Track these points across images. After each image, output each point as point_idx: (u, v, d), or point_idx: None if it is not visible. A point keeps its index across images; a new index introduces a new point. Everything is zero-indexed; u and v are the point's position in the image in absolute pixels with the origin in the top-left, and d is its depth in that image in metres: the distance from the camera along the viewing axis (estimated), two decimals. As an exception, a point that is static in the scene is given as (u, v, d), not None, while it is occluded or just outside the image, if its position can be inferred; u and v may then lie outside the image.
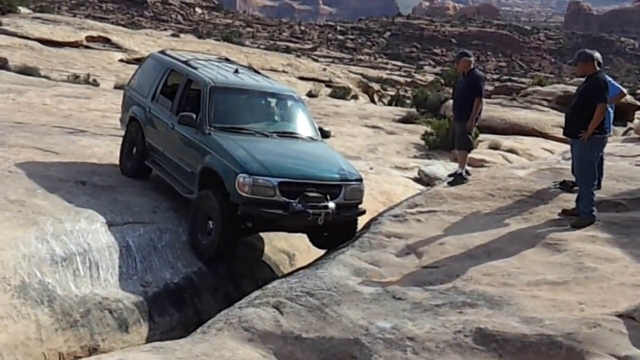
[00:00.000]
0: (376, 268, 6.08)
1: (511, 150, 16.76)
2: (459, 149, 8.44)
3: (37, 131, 10.61)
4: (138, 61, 20.03)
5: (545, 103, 23.74)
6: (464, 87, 8.26)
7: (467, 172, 8.38)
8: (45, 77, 22.00)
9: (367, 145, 17.31)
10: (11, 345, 5.28)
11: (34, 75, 21.44)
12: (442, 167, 12.24)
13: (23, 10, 36.62)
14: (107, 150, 9.42)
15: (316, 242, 7.61)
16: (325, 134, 8.17)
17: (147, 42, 33.51)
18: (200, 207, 6.99)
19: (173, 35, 46.55)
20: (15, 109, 13.87)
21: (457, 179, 8.23)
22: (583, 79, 6.89)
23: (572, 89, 18.98)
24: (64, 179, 7.65)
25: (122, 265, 6.51)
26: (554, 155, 10.41)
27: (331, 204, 6.86)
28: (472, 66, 8.35)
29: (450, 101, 13.61)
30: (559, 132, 14.19)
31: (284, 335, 5.11)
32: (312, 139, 7.94)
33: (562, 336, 4.60)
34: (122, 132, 8.95)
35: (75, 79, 22.88)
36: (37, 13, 38.09)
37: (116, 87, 21.34)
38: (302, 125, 8.09)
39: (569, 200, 6.99)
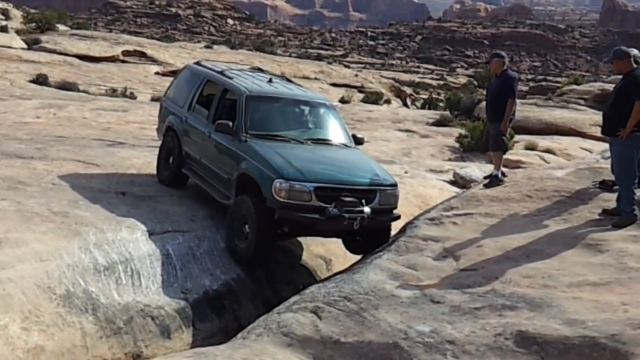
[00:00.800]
0: (413, 272, 6.08)
1: (548, 151, 16.58)
2: (493, 150, 8.39)
3: (77, 144, 10.87)
4: (173, 73, 20.43)
5: (582, 102, 23.41)
6: (497, 88, 8.21)
7: (503, 174, 8.31)
8: (84, 91, 22.60)
9: (401, 149, 17.33)
10: (58, 353, 5.42)
11: (73, 90, 22.05)
12: (477, 169, 12.18)
13: (61, 27, 37.73)
14: (145, 161, 9.60)
15: (351, 247, 7.66)
16: (358, 141, 8.23)
17: (181, 54, 34.07)
18: (237, 212, 7.11)
19: (206, 46, 47.33)
20: (56, 124, 14.30)
21: (493, 180, 8.18)
22: (620, 77, 6.80)
23: (610, 87, 18.66)
24: (105, 190, 7.83)
25: (163, 273, 6.62)
26: (592, 155, 10.25)
27: (366, 209, 6.90)
28: (504, 67, 8.29)
29: (484, 103, 13.57)
30: (597, 131, 13.98)
31: (323, 340, 5.15)
32: (345, 145, 8.01)
33: (605, 338, 4.55)
34: (159, 143, 9.12)
35: (113, 92, 23.45)
36: (75, 30, 39.06)
37: (153, 99, 21.78)
38: (336, 132, 8.18)
39: (609, 200, 6.88)
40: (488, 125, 8.65)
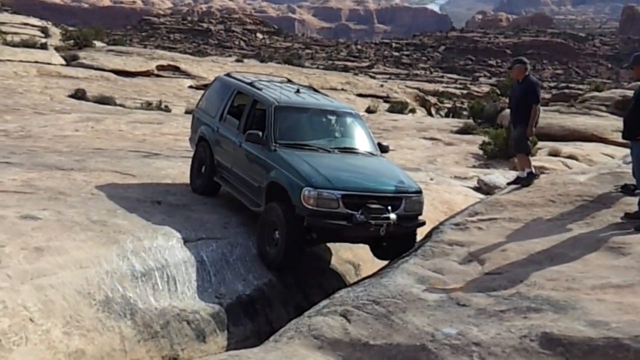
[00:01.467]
0: (439, 276, 6.14)
1: (571, 157, 16.59)
2: (517, 151, 8.48)
3: (115, 156, 11.13)
4: (206, 87, 20.84)
5: (603, 108, 23.29)
6: (520, 93, 8.29)
7: (534, 173, 8.36)
8: (120, 105, 23.07)
9: (426, 156, 17.41)
10: (98, 356, 5.58)
11: (110, 104, 22.54)
12: (501, 176, 12.20)
13: (98, 44, 38.39)
14: (179, 171, 9.79)
15: (377, 253, 7.79)
16: (384, 149, 8.37)
17: (213, 68, 34.41)
18: (267, 219, 7.29)
19: (237, 60, 47.81)
20: (94, 136, 14.66)
21: (529, 177, 8.22)
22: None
23: (631, 93, 18.44)
24: (141, 199, 8.02)
25: (198, 278, 6.77)
26: (614, 160, 10.21)
27: (392, 215, 7.03)
28: (526, 72, 8.36)
29: (507, 111, 13.59)
30: (619, 137, 13.85)
31: (352, 342, 5.22)
32: (371, 153, 8.15)
33: (629, 339, 4.57)
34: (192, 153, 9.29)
35: (148, 106, 23.84)
36: (111, 46, 39.55)
37: (187, 112, 22.00)
38: (362, 140, 8.32)
39: (631, 203, 6.92)
40: (512, 130, 8.71)
